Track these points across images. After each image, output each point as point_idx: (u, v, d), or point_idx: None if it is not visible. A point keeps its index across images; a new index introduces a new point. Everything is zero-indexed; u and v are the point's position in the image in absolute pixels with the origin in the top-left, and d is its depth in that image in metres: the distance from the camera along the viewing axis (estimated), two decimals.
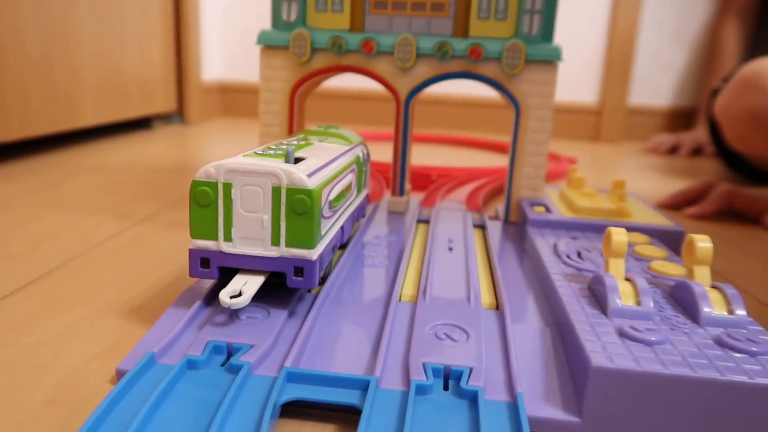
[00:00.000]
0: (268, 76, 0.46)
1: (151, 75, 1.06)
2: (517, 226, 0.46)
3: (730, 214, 0.60)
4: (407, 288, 0.31)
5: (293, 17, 0.45)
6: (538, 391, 0.23)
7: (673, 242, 0.39)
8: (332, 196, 0.29)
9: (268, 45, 0.46)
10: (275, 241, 0.26)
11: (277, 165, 0.26)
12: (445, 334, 0.26)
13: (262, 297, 0.28)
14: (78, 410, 0.22)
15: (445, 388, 0.23)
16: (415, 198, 0.57)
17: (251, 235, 0.27)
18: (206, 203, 0.26)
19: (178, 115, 1.23)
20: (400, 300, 0.30)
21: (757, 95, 0.63)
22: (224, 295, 0.25)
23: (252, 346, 0.24)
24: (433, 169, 0.75)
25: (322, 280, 0.31)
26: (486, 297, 0.31)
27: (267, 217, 0.26)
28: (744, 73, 0.66)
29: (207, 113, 1.30)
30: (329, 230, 0.29)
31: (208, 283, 0.31)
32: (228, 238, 0.27)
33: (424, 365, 0.23)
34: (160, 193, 0.58)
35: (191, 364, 0.23)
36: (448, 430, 0.20)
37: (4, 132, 0.67)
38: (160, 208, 0.52)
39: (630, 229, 0.39)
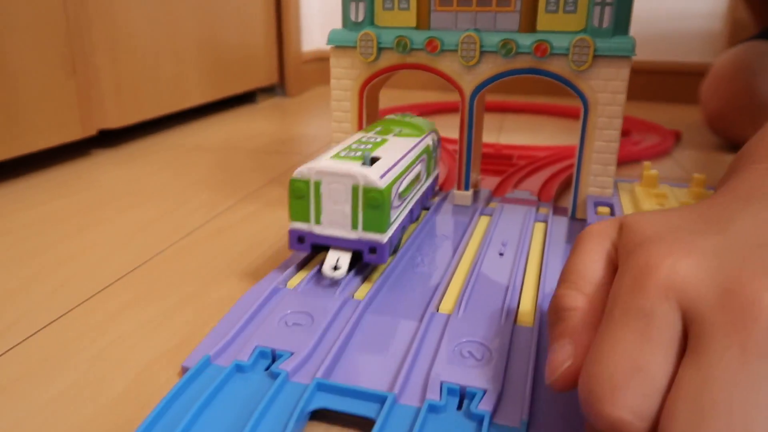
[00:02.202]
0: (338, 75, 0.48)
1: (252, 50, 1.12)
2: (583, 224, 0.45)
3: None
4: (447, 298, 0.33)
5: (360, 17, 0.47)
6: (554, 416, 0.24)
7: None
8: (401, 188, 0.36)
9: (338, 45, 0.47)
10: (354, 226, 0.34)
11: (356, 168, 0.33)
12: (469, 352, 0.27)
13: (308, 305, 0.31)
14: (145, 405, 0.27)
15: (460, 407, 0.25)
16: (493, 180, 0.58)
17: (336, 220, 0.34)
18: (301, 196, 0.34)
19: (280, 87, 1.29)
20: (438, 311, 0.32)
21: None
22: (327, 269, 0.33)
23: (292, 354, 0.27)
24: (515, 149, 0.74)
25: (395, 251, 0.38)
26: (526, 310, 0.32)
27: (348, 208, 0.33)
28: None
29: (307, 84, 1.35)
30: (398, 216, 0.36)
31: (267, 286, 0.34)
32: (318, 222, 0.34)
33: (441, 384, 0.25)
34: (252, 175, 0.63)
35: (239, 368, 0.27)
36: None
37: (122, 118, 0.76)
38: (249, 192, 0.56)
39: None
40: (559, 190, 0.57)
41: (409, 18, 0.46)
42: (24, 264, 0.41)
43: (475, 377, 0.26)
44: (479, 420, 0.24)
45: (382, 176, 0.33)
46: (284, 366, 0.27)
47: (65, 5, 0.64)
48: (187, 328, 0.33)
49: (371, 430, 0.23)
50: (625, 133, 0.90)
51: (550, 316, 0.23)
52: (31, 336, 0.32)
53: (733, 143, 0.82)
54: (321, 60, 1.43)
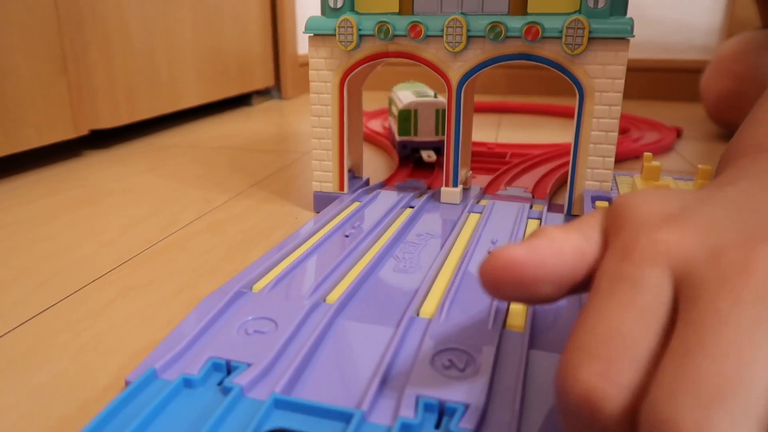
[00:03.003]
0: (316, 65, 0.45)
1: (248, 53, 1.09)
2: None
3: None
4: (429, 300, 0.30)
5: (340, 3, 0.44)
6: None
7: None
8: None
9: (316, 33, 0.44)
10: (437, 133, 0.58)
11: (437, 99, 0.58)
12: (450, 360, 0.24)
13: (273, 310, 0.28)
14: None
15: (438, 425, 0.21)
16: (485, 179, 0.54)
17: (426, 131, 0.58)
18: (407, 118, 0.58)
19: (276, 89, 1.26)
20: (418, 315, 0.29)
21: None
22: (425, 156, 0.56)
23: (249, 366, 0.24)
24: (509, 147, 0.71)
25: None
26: (517, 312, 0.28)
27: (433, 122, 0.58)
28: None
29: (303, 87, 1.32)
30: None
31: (229, 290, 0.31)
32: (415, 133, 0.58)
33: (417, 398, 0.22)
34: (245, 174, 0.59)
35: (187, 383, 0.24)
36: None
37: (115, 118, 0.73)
38: (242, 190, 0.53)
39: None
40: (555, 188, 0.53)
41: (392, 3, 0.43)
42: (12, 257, 0.39)
43: (456, 390, 0.22)
44: None
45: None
46: (239, 380, 0.23)
47: (56, 2, 0.62)
48: (176, 321, 0.31)
49: None
50: (623, 130, 0.87)
51: (525, 238, 0.20)
52: (16, 327, 0.31)
53: (735, 131, 0.79)
54: None
